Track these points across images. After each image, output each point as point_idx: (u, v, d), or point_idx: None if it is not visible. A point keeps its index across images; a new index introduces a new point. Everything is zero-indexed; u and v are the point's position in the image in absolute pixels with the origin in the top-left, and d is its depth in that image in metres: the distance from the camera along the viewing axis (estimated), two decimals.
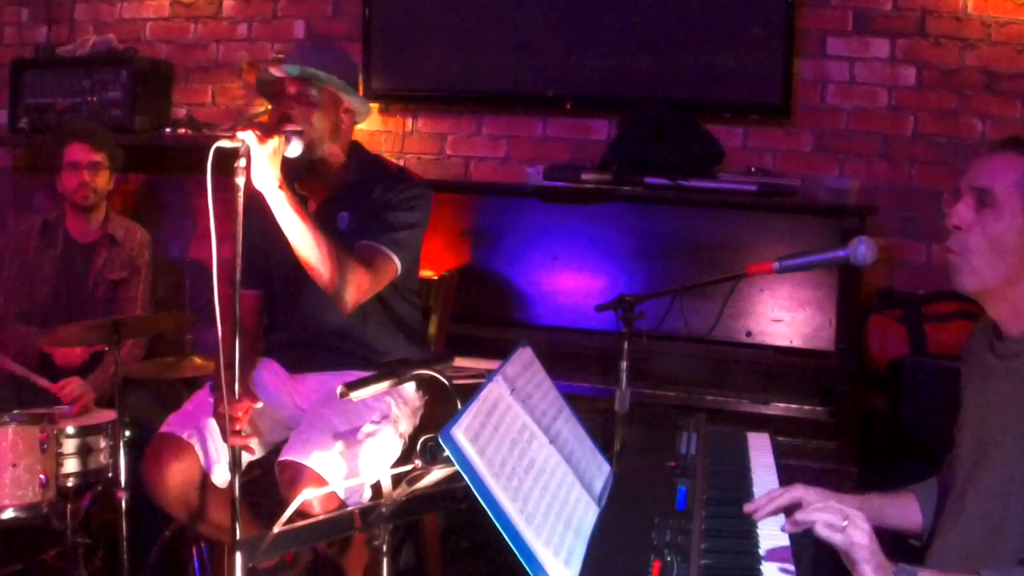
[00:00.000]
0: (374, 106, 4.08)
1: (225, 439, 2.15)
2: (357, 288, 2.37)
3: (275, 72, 2.50)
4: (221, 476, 2.40)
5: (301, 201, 2.48)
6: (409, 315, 2.71)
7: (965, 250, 1.68)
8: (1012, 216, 1.64)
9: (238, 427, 2.16)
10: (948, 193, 1.77)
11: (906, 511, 1.91)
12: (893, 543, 1.99)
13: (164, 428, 2.48)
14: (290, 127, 2.31)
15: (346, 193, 2.58)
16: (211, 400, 2.45)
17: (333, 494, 2.22)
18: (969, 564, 1.62)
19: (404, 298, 2.68)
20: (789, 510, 1.81)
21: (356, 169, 2.61)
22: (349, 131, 2.64)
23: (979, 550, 1.63)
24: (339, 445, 2.31)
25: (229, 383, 2.07)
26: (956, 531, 1.70)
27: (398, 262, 2.48)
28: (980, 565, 1.61)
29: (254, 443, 2.40)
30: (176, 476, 2.40)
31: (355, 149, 2.66)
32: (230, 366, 2.05)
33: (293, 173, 2.48)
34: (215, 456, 2.40)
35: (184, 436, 2.43)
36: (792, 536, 1.73)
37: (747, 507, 1.78)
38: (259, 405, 2.25)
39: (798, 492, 1.80)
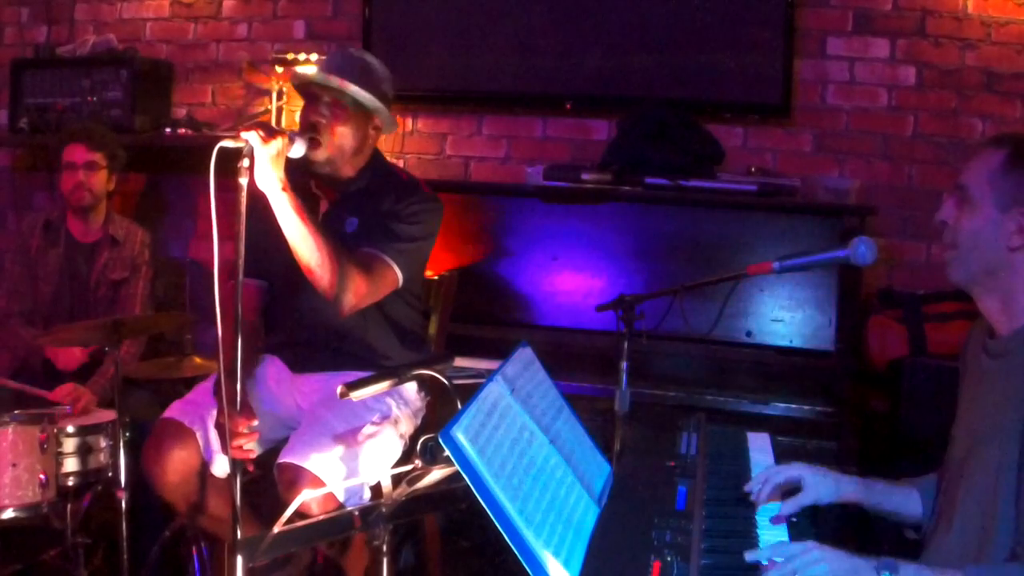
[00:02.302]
0: None
1: (225, 451, 2.15)
2: (355, 294, 2.36)
3: (321, 79, 2.46)
4: (221, 467, 2.40)
5: (313, 201, 2.49)
6: (409, 319, 2.71)
7: (952, 244, 1.74)
8: (985, 209, 1.69)
9: (239, 442, 2.16)
10: (946, 193, 1.81)
11: (907, 501, 1.93)
12: (889, 538, 2.00)
13: (167, 414, 2.48)
14: (311, 135, 2.33)
15: (358, 199, 2.58)
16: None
17: (331, 495, 2.22)
18: (962, 562, 1.63)
19: (406, 302, 2.67)
20: (788, 492, 1.84)
21: (371, 177, 2.60)
22: (373, 144, 2.63)
23: (971, 548, 1.64)
24: (338, 447, 2.31)
25: (230, 395, 2.07)
26: (949, 530, 1.70)
27: (399, 273, 2.48)
28: (973, 563, 1.61)
29: (254, 444, 2.40)
30: (176, 462, 2.40)
31: (373, 156, 2.65)
32: (231, 374, 2.05)
33: (310, 174, 2.49)
34: (216, 447, 2.40)
35: (186, 423, 2.43)
36: (792, 536, 1.74)
37: (748, 487, 1.82)
38: (255, 423, 2.25)
39: (795, 472, 1.83)
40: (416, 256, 2.57)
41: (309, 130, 2.41)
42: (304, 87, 2.56)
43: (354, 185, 2.59)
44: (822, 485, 1.84)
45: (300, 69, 2.49)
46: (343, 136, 2.49)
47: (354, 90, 2.47)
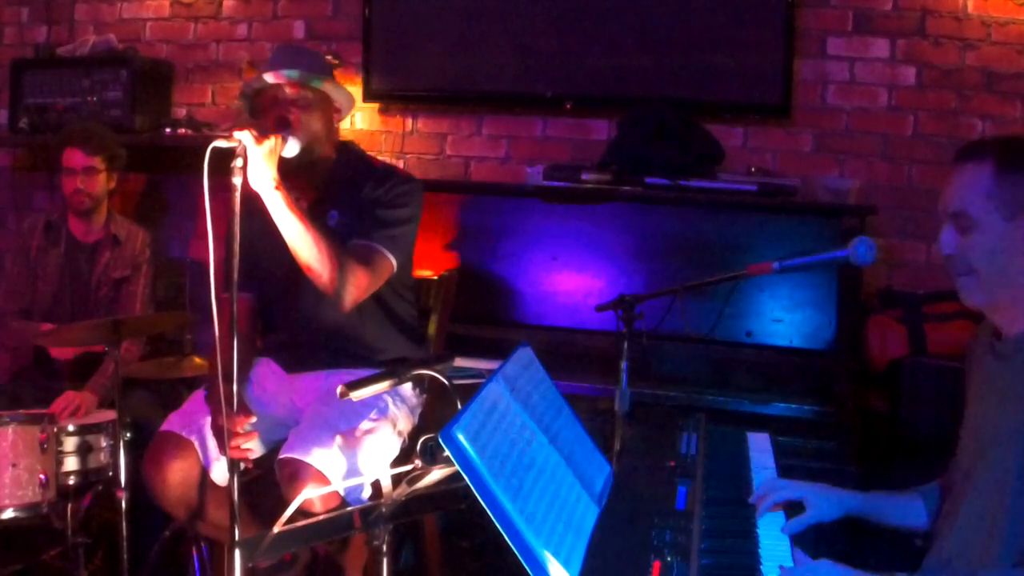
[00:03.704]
0: (374, 106, 4.09)
1: (223, 452, 2.15)
2: (356, 287, 2.37)
3: (273, 78, 2.49)
4: (221, 474, 2.40)
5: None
6: (405, 312, 2.72)
7: (968, 271, 1.69)
8: (993, 225, 1.66)
9: (237, 441, 2.16)
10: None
11: (910, 511, 1.91)
12: (896, 543, 2.00)
13: (164, 427, 2.49)
14: (289, 131, 2.32)
15: (335, 192, 2.59)
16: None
17: (334, 493, 2.22)
18: (967, 565, 1.62)
19: (399, 295, 2.68)
20: (791, 508, 1.83)
21: (344, 167, 2.62)
22: (338, 128, 2.66)
23: (976, 550, 1.63)
24: (339, 442, 2.32)
25: (228, 395, 2.07)
26: (954, 531, 1.70)
27: (393, 259, 2.49)
28: (977, 566, 1.61)
29: (253, 443, 2.40)
30: (176, 475, 2.41)
31: (342, 147, 2.68)
32: (227, 378, 2.05)
33: (284, 174, 2.48)
34: (214, 454, 2.40)
35: (184, 434, 2.43)
36: (794, 541, 1.74)
37: (751, 499, 1.80)
38: (253, 419, 2.24)
39: (799, 492, 1.83)
40: (406, 239, 2.58)
41: (281, 127, 2.40)
42: (258, 94, 2.55)
43: (330, 178, 2.59)
44: (825, 504, 1.84)
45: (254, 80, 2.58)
46: (314, 123, 2.50)
47: (309, 75, 2.49)
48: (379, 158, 2.91)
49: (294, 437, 2.36)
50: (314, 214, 2.52)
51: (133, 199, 4.28)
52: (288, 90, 2.49)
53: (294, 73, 2.49)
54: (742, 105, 3.67)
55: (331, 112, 2.60)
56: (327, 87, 2.55)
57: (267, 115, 2.49)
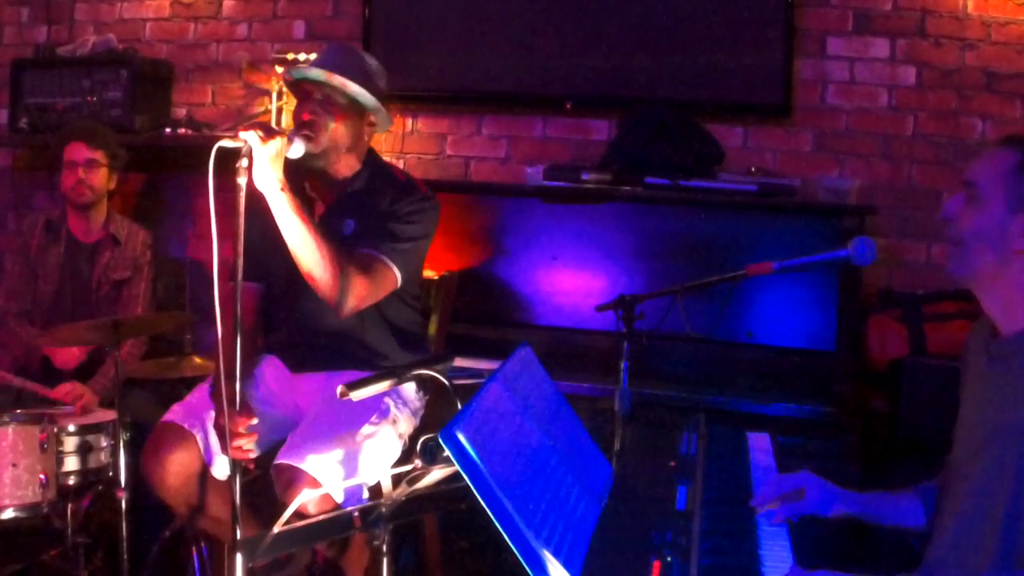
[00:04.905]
0: None
1: (225, 451, 2.14)
2: (355, 296, 2.35)
3: (310, 74, 2.45)
4: (221, 469, 2.40)
5: (307, 203, 2.47)
6: (408, 320, 2.70)
7: (956, 241, 1.72)
8: (994, 208, 1.67)
9: (239, 442, 2.16)
10: (953, 190, 1.80)
11: (908, 511, 1.91)
12: (893, 543, 2.00)
13: (167, 417, 2.47)
14: (305, 131, 2.31)
15: (354, 200, 2.57)
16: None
17: (328, 496, 2.21)
18: (963, 565, 1.62)
19: (404, 303, 2.66)
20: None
21: (367, 177, 2.59)
22: (368, 141, 2.63)
23: (974, 549, 1.63)
24: (337, 447, 2.30)
25: (230, 395, 2.06)
26: (951, 530, 1.70)
27: (398, 273, 2.47)
28: (974, 566, 1.61)
29: (253, 444, 2.40)
30: (176, 465, 2.39)
31: (369, 156, 2.64)
32: (230, 376, 2.04)
33: (304, 173, 2.47)
34: (216, 449, 2.39)
35: (186, 426, 2.42)
36: (792, 535, 1.74)
37: (754, 501, 1.81)
38: (254, 421, 2.24)
39: (802, 481, 1.84)
40: (414, 256, 2.56)
41: (301, 127, 2.39)
42: (296, 85, 2.54)
43: (350, 186, 2.58)
44: (824, 499, 1.84)
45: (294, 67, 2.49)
46: (336, 132, 2.47)
47: (344, 83, 2.45)
48: (402, 169, 2.87)
49: (291, 442, 2.35)
50: (330, 220, 2.52)
51: (133, 199, 4.28)
52: (318, 93, 2.46)
53: (319, 74, 2.43)
54: (742, 105, 3.67)
55: (362, 126, 2.54)
56: (358, 94, 2.47)
57: (296, 110, 2.49)
